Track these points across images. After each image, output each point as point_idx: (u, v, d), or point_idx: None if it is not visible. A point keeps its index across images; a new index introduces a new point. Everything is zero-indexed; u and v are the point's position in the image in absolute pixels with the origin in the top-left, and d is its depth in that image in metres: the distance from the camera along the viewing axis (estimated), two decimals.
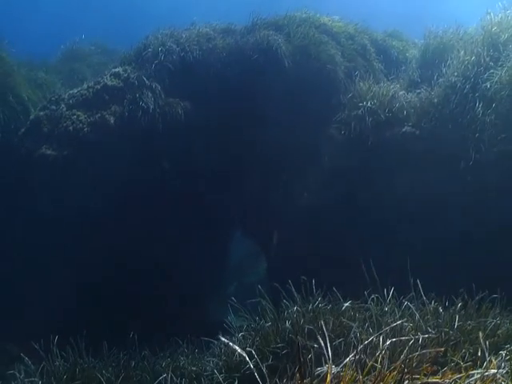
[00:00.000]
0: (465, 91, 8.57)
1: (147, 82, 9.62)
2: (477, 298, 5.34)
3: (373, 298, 5.54)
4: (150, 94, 9.46)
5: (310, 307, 5.53)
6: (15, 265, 9.18)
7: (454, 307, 5.12)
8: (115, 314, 8.55)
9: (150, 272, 9.20)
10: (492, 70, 8.41)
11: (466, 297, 5.34)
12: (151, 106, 9.34)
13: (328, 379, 2.27)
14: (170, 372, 5.62)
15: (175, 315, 9.10)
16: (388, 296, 5.36)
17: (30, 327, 8.20)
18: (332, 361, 2.77)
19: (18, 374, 6.33)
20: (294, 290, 5.97)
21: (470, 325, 4.59)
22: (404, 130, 8.87)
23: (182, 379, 5.71)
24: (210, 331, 7.05)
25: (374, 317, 4.97)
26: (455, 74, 8.98)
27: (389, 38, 12.48)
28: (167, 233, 9.31)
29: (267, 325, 5.61)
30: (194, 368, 6.07)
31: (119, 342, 6.70)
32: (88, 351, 6.27)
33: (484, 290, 5.43)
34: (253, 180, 9.89)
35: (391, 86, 9.76)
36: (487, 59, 8.68)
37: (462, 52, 9.26)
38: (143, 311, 8.88)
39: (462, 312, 5.01)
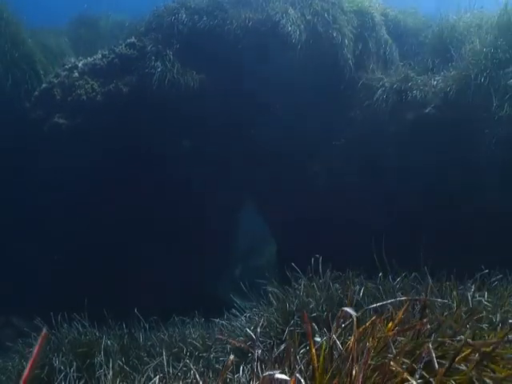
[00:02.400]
0: (482, 80, 8.49)
1: (161, 52, 9.52)
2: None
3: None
4: (162, 65, 9.39)
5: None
6: (17, 235, 9.21)
7: None
8: (116, 289, 8.60)
9: (152, 246, 9.24)
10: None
11: None
12: (164, 77, 9.29)
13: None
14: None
15: (178, 294, 9.13)
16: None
17: (32, 299, 8.32)
18: None
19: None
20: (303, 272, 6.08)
21: None
22: (419, 114, 8.84)
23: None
24: (215, 310, 7.16)
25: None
26: (470, 63, 8.87)
27: (402, 15, 12.16)
28: (176, 206, 9.31)
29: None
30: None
31: (121, 317, 6.75)
32: (92, 323, 6.34)
33: None
34: (265, 159, 9.87)
35: (406, 70, 9.69)
36: (506, 48, 8.60)
37: (477, 40, 9.18)
38: (144, 287, 8.94)
39: None
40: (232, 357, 2.37)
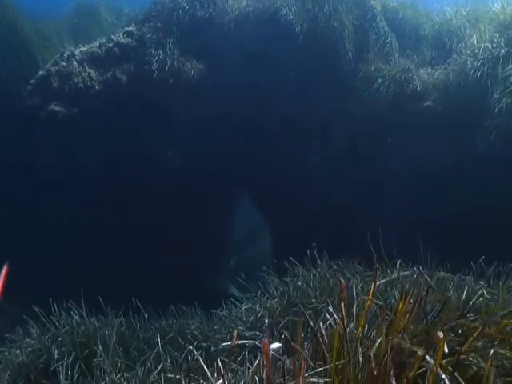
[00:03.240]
0: (482, 73, 8.49)
1: (160, 41, 9.47)
2: None
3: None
4: (162, 53, 9.32)
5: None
6: (14, 222, 9.13)
7: None
8: (116, 280, 8.55)
9: (150, 236, 9.19)
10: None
11: None
12: (163, 65, 9.22)
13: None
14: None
15: (177, 284, 9.08)
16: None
17: (31, 288, 8.24)
18: None
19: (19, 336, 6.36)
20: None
21: None
22: (419, 106, 8.82)
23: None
24: (212, 301, 7.12)
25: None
26: (472, 55, 8.84)
27: (402, 7, 12.03)
28: (175, 196, 9.26)
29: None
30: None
31: (120, 307, 6.70)
32: (91, 312, 6.28)
33: None
34: (264, 148, 9.81)
35: (406, 62, 9.66)
36: (505, 41, 8.58)
37: (476, 35, 9.15)
38: (143, 278, 8.90)
39: None
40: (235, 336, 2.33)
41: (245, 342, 3.27)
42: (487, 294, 4.38)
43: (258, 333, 5.06)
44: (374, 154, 8.87)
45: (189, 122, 9.42)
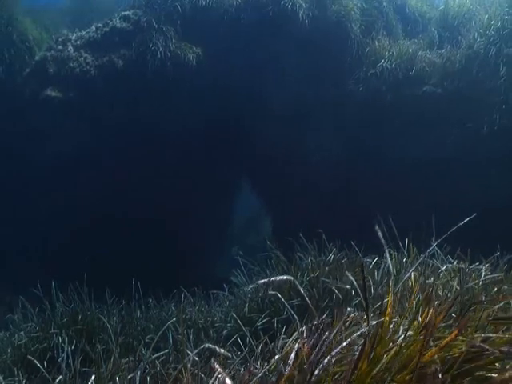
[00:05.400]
0: (489, 55, 8.38)
1: (158, 25, 9.21)
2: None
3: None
4: (160, 38, 9.08)
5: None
6: (10, 208, 8.93)
7: None
8: (115, 265, 8.37)
9: (149, 221, 8.99)
10: None
11: None
12: (161, 50, 8.99)
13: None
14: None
15: (177, 269, 8.92)
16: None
17: (29, 277, 8.05)
18: None
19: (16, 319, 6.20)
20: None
21: None
22: (425, 89, 8.64)
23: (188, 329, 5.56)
24: (214, 286, 6.95)
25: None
26: (478, 37, 8.74)
27: None
28: (170, 182, 9.06)
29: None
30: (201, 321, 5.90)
31: (120, 294, 6.53)
32: (90, 299, 6.10)
33: None
34: (264, 135, 9.60)
35: (411, 45, 9.47)
36: None
37: (487, 16, 9.00)
38: (144, 263, 8.70)
39: None
40: None
41: None
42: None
43: None
44: (377, 137, 8.66)
45: (186, 108, 9.19)
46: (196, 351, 2.48)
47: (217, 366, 1.38)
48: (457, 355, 1.68)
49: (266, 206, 10.90)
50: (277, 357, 2.17)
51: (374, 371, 1.79)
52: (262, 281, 2.03)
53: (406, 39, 10.02)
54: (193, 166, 9.34)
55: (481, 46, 8.61)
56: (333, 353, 1.83)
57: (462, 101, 8.16)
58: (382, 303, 1.99)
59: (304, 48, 9.38)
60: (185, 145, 9.30)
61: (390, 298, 1.93)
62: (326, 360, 1.79)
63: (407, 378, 1.69)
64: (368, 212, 7.18)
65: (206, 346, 2.61)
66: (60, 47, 9.25)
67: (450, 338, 1.70)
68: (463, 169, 7.85)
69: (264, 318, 4.90)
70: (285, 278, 2.01)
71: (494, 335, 1.90)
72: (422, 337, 1.75)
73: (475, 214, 2.59)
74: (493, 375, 1.72)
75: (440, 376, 1.58)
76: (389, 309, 1.92)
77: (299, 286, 2.89)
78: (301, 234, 6.01)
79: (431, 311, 1.65)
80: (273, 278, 2.02)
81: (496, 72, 8.22)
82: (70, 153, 8.44)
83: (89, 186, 8.57)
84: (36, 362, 3.77)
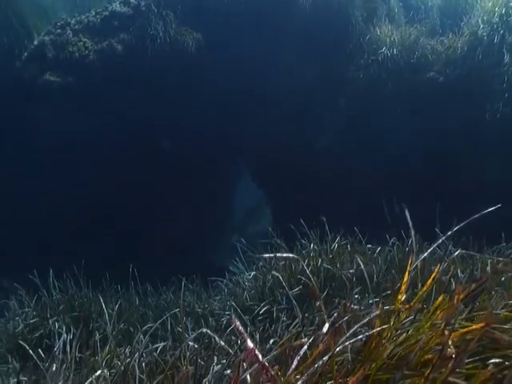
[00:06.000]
0: (493, 42, 8.29)
1: (158, 10, 9.09)
2: None
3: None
4: (160, 23, 8.96)
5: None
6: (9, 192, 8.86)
7: None
8: (113, 251, 8.32)
9: (149, 208, 8.94)
10: None
11: None
12: (161, 35, 8.87)
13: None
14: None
15: (176, 257, 8.86)
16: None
17: (27, 263, 7.99)
18: None
19: (11, 304, 6.16)
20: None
21: None
22: (427, 76, 8.54)
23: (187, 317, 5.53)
24: (213, 273, 6.91)
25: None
26: (481, 24, 8.63)
27: None
28: (169, 169, 8.99)
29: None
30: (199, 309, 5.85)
31: (118, 281, 6.49)
32: (87, 286, 6.06)
33: None
34: (264, 123, 9.50)
35: (413, 31, 9.36)
36: None
37: (490, 3, 8.90)
38: (142, 251, 8.66)
39: None
40: None
41: None
42: None
43: None
44: (378, 124, 8.58)
45: (186, 94, 9.09)
46: (194, 335, 2.45)
47: (238, 323, 1.33)
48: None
49: (267, 195, 10.82)
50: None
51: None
52: (267, 255, 1.98)
53: (408, 26, 9.91)
54: (192, 153, 9.25)
55: (484, 34, 8.53)
56: (351, 330, 1.82)
57: (464, 88, 8.07)
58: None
59: (304, 34, 9.27)
60: (183, 132, 9.21)
61: (406, 277, 1.89)
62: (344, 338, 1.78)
63: (428, 356, 1.65)
64: (369, 201, 7.21)
65: (204, 331, 2.58)
66: (59, 31, 9.14)
67: (478, 326, 1.64)
68: (463, 156, 7.79)
69: (264, 306, 4.86)
70: (290, 255, 1.98)
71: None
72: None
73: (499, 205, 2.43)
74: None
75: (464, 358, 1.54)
76: (403, 287, 1.88)
77: (305, 267, 2.83)
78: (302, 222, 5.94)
79: (457, 290, 1.58)
80: (278, 254, 2.00)
81: (499, 60, 8.15)
82: (69, 137, 8.36)
83: (88, 172, 8.51)
84: (30, 350, 3.71)
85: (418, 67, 8.67)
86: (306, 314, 3.46)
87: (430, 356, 1.66)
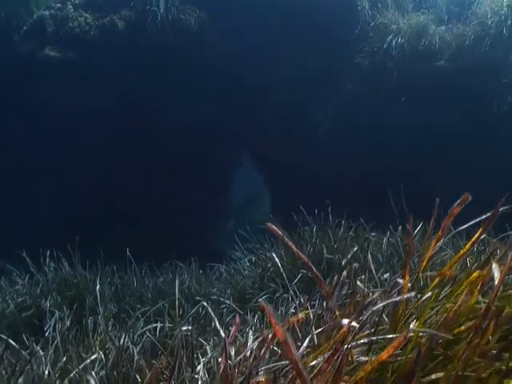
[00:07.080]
0: (502, 32, 8.18)
1: None
2: None
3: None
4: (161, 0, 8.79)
5: None
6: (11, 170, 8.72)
7: None
8: (110, 236, 8.19)
9: (146, 189, 8.81)
10: None
11: None
12: (162, 12, 8.69)
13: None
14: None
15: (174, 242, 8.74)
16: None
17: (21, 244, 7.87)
18: None
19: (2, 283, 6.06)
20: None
21: None
22: (432, 65, 8.43)
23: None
24: (211, 258, 6.83)
25: None
26: (490, 13, 8.49)
27: None
28: (176, 157, 8.86)
29: None
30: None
31: (114, 262, 6.37)
32: (84, 267, 5.93)
33: None
34: (265, 109, 9.36)
35: (421, 19, 9.21)
36: None
37: None
38: (139, 234, 8.54)
39: None
40: None
41: None
42: None
43: None
44: (382, 112, 8.47)
45: (186, 75, 8.92)
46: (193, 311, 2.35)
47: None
48: None
49: (267, 181, 10.69)
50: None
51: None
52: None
53: (414, 13, 9.75)
54: (192, 139, 9.10)
55: (492, 24, 8.40)
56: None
57: (471, 79, 7.96)
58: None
59: (308, 20, 9.11)
60: (183, 117, 9.05)
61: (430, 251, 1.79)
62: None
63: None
64: (370, 188, 7.11)
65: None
66: (59, 6, 8.97)
67: None
68: (470, 147, 7.71)
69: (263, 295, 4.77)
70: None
71: None
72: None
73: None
74: None
75: None
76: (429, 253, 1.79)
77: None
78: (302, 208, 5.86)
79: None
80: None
81: (508, 50, 8.05)
82: (70, 113, 8.22)
83: (87, 148, 8.38)
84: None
85: (424, 55, 8.53)
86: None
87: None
